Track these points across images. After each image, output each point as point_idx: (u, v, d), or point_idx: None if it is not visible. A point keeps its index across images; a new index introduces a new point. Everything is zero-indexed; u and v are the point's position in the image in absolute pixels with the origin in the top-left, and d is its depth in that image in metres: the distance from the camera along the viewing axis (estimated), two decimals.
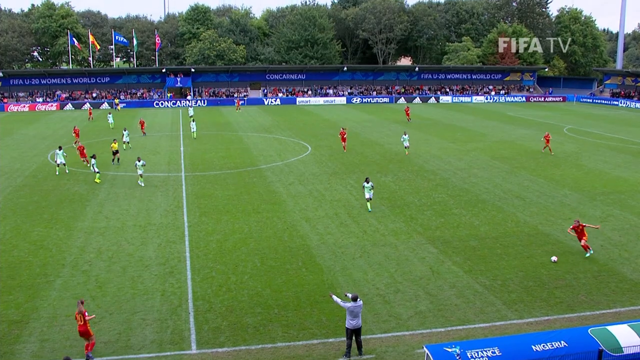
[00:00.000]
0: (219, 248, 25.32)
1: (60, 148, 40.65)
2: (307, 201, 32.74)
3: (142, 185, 36.09)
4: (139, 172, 36.41)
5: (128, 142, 50.36)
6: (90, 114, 72.10)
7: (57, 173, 39.62)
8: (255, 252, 24.88)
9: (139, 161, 36.60)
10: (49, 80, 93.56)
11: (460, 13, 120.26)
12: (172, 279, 22.09)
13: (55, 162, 40.30)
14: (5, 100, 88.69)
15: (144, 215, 30.13)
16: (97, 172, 37.76)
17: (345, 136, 49.07)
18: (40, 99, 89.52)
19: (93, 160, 38.23)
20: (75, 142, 49.50)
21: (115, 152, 43.08)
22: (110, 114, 66.41)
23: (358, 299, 16.88)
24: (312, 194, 34.48)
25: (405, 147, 46.85)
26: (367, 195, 30.58)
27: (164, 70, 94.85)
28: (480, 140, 54.35)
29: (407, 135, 47.64)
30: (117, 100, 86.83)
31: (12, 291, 20.91)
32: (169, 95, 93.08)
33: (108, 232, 27.33)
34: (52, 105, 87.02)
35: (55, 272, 22.69)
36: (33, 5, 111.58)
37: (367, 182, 30.56)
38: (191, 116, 67.91)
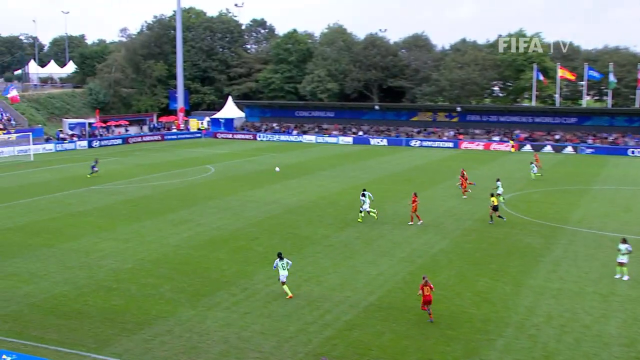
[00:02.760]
0: None
1: (364, 192, 42.69)
2: None
3: (626, 279, 30.06)
4: (621, 259, 30.48)
5: (500, 195, 46.77)
6: (537, 160, 70.96)
7: (360, 220, 42.03)
8: None
9: (624, 244, 30.46)
10: (508, 118, 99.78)
11: None
12: None
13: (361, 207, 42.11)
14: (461, 137, 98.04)
15: (607, 282, 29.33)
16: (362, 211, 41.62)
17: None
18: (497, 138, 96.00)
19: (363, 199, 41.74)
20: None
21: (495, 208, 41.57)
22: (532, 162, 64.17)
23: None
24: None
25: None
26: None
27: None
28: None
29: None
30: (511, 142, 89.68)
31: (450, 342, 22.74)
32: None
33: (562, 296, 27.47)
34: (508, 146, 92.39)
35: (498, 330, 23.81)
36: (500, 35, 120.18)
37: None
38: None
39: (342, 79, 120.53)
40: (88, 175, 61.83)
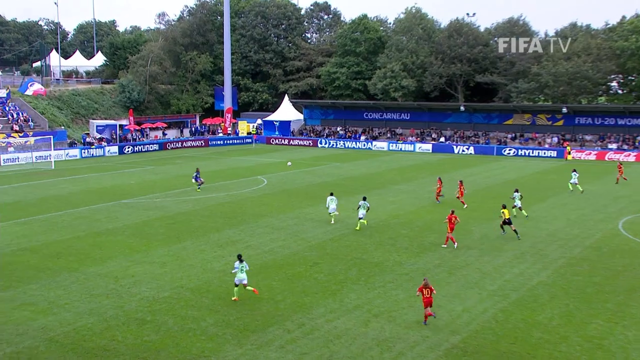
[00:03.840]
0: None
1: (364, 199, 47.64)
2: None
3: None
4: None
5: (516, 207, 50.33)
6: (620, 171, 69.82)
7: (357, 228, 46.49)
8: None
9: None
10: (629, 121, 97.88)
11: None
12: None
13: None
14: (565, 144, 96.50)
15: None
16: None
17: None
18: (614, 146, 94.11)
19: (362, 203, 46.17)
20: None
21: (505, 222, 43.62)
22: (574, 170, 63.86)
23: None
24: None
25: None
26: None
27: None
28: None
29: None
30: (568, 148, 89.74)
31: None
32: None
33: None
34: (629, 155, 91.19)
35: None
36: (624, 17, 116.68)
37: None
38: None
39: (421, 74, 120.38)
40: (197, 189, 63.13)
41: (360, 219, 46.14)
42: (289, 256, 39.21)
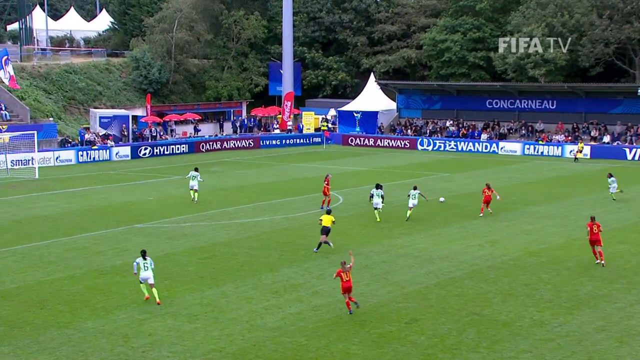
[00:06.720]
0: None
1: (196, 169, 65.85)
2: None
3: None
4: None
5: (378, 209, 58.39)
6: None
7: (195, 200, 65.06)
8: None
9: None
10: None
11: None
12: None
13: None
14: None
15: None
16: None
17: None
18: None
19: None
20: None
21: (325, 230, 49.05)
22: (611, 176, 66.88)
23: None
24: None
25: None
26: None
27: None
28: None
29: None
30: (580, 145, 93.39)
31: None
32: None
33: None
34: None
35: None
36: None
37: None
38: None
39: (575, 41, 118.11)
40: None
41: (376, 208, 57.90)
42: (375, 308, 38.90)
